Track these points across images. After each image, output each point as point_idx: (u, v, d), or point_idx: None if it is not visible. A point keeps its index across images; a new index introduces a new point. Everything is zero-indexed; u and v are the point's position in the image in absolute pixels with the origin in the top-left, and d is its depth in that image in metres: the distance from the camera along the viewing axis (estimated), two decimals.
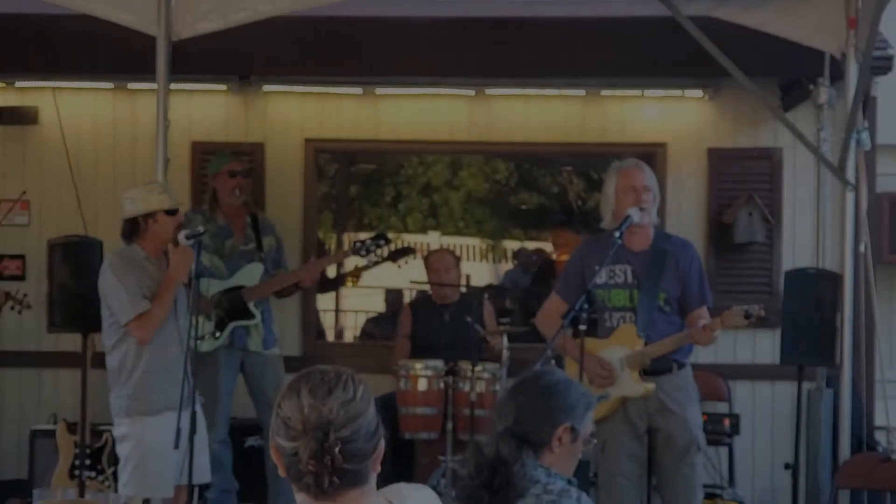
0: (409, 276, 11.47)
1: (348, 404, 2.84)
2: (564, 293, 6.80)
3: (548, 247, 17.52)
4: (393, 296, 13.17)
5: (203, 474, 6.65)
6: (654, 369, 6.54)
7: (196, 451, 6.38)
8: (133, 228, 6.69)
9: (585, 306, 6.33)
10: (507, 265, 17.45)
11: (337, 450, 2.79)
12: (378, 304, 13.82)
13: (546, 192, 17.25)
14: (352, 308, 14.69)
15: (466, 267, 17.02)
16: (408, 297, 13.06)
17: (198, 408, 6.62)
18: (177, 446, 6.17)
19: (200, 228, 6.60)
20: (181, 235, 6.85)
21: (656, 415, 6.52)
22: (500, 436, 4.00)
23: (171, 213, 6.68)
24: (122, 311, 6.54)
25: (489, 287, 15.30)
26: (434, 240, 18.49)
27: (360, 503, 2.89)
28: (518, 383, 4.15)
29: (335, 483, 2.81)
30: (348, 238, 17.66)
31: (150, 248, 6.67)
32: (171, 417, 6.38)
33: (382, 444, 2.94)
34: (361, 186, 17.07)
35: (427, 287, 9.18)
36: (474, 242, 18.60)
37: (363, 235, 17.79)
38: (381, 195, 17.84)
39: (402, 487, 3.10)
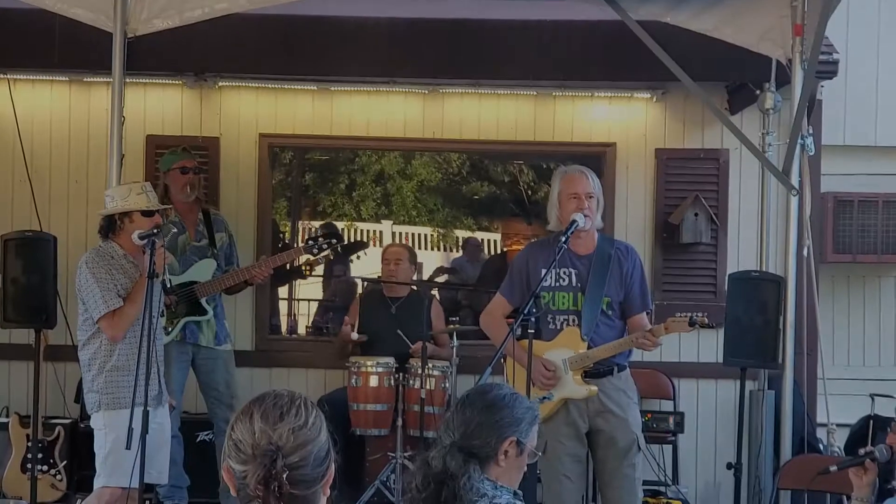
0: (364, 268, 11.60)
1: (298, 430, 2.89)
2: (508, 294, 6.92)
3: (497, 236, 17.72)
4: (344, 285, 13.19)
5: (161, 474, 6.71)
6: (595, 371, 6.63)
7: (156, 451, 6.46)
8: (110, 226, 6.75)
9: (533, 310, 6.40)
10: (457, 254, 17.56)
11: (285, 476, 2.84)
12: (329, 294, 13.81)
13: (497, 181, 17.36)
14: (305, 297, 14.71)
15: (419, 255, 17.14)
16: (360, 287, 13.15)
17: (164, 409, 6.71)
18: (128, 446, 6.25)
19: (155, 230, 6.63)
20: (134, 235, 6.92)
21: (597, 416, 6.63)
22: (447, 449, 4.07)
23: (148, 214, 6.71)
24: (95, 307, 6.63)
25: (440, 270, 15.39)
26: (386, 228, 18.57)
27: None
28: (465, 397, 4.22)
29: None
30: (302, 226, 17.71)
31: (128, 246, 6.72)
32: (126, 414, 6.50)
33: (332, 468, 2.98)
34: (316, 175, 17.11)
35: (379, 279, 9.26)
36: (426, 231, 18.67)
37: (317, 223, 17.95)
38: (335, 183, 17.89)
39: None
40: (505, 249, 16.73)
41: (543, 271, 6.63)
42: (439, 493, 3.99)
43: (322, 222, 17.32)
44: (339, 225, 18.36)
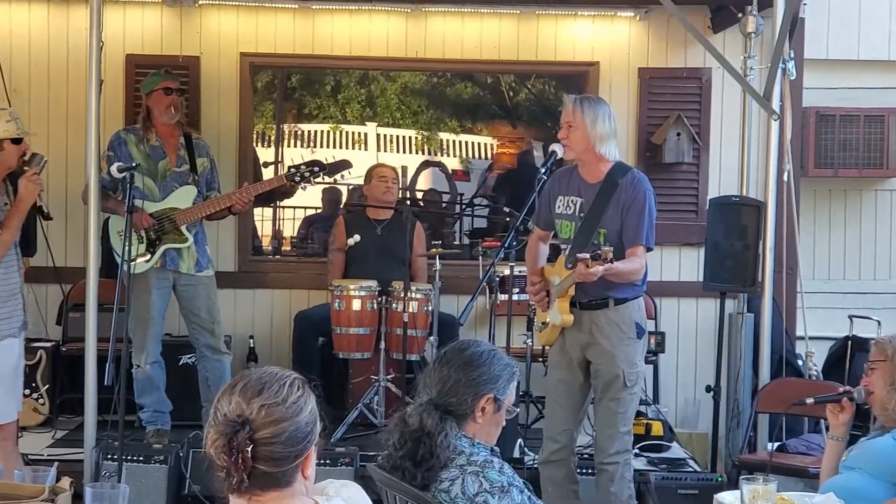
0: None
1: (273, 407, 2.92)
2: (535, 220, 6.89)
3: (487, 140, 17.72)
4: (330, 193, 13.17)
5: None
6: (589, 303, 6.57)
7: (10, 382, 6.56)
8: None
9: (514, 242, 6.41)
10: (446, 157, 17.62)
11: (249, 449, 2.87)
12: (315, 202, 13.78)
13: (480, 83, 17.29)
14: (289, 205, 14.70)
15: (404, 159, 17.16)
16: (344, 195, 13.16)
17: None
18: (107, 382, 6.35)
19: (134, 164, 6.62)
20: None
21: (587, 347, 6.60)
22: (424, 407, 4.10)
23: (17, 141, 6.69)
24: None
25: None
26: (371, 130, 18.52)
27: None
28: (442, 355, 4.22)
29: (245, 482, 2.89)
30: (288, 129, 17.67)
31: None
32: (11, 344, 6.59)
33: (312, 450, 3.01)
34: (301, 77, 17.02)
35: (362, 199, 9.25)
36: (410, 133, 18.63)
37: (303, 126, 17.91)
38: (321, 85, 17.82)
39: (328, 486, 3.19)
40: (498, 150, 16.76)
41: (559, 198, 6.67)
42: (416, 451, 4.01)
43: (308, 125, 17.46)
44: (325, 127, 18.34)
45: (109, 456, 7.13)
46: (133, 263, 7.30)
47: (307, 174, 8.02)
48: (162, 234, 7.90)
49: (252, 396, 2.93)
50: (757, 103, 7.77)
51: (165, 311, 8.09)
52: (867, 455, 5.08)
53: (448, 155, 18.17)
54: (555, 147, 6.63)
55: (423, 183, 15.62)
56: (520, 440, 7.81)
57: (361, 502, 3.25)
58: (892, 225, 10.02)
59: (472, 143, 18.31)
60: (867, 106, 9.68)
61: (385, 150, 18.31)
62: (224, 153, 9.07)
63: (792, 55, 7.75)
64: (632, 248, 6.49)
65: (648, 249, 6.55)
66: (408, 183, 14.97)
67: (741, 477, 4.46)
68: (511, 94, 16.99)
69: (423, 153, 18.29)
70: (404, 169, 15.33)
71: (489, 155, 17.51)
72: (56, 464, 4.17)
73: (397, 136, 18.69)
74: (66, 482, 3.80)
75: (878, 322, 8.45)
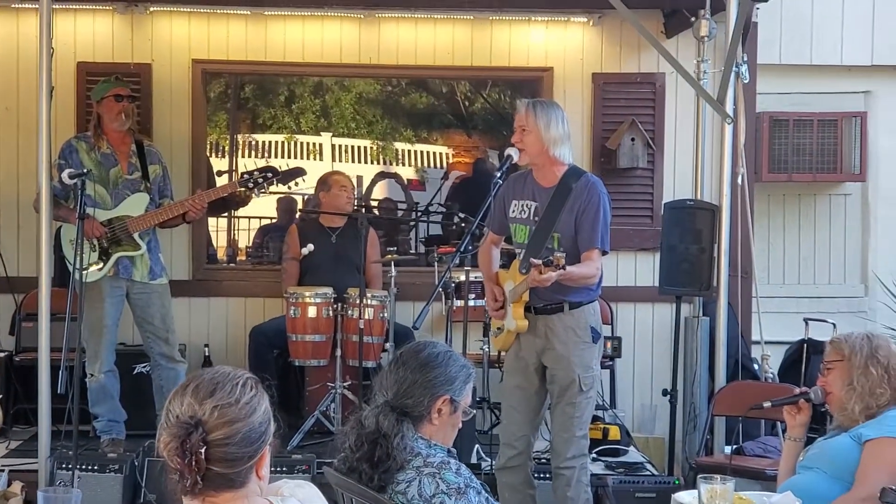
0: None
1: (226, 408, 2.89)
2: (492, 226, 6.86)
3: (443, 149, 17.69)
4: (285, 203, 13.11)
5: None
6: (544, 308, 6.56)
7: None
8: None
9: (469, 247, 6.39)
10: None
11: (202, 451, 2.84)
12: (270, 211, 13.72)
13: (435, 92, 17.29)
14: (244, 215, 14.63)
15: (360, 169, 17.13)
16: (299, 204, 13.09)
17: None
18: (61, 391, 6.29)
19: (84, 171, 6.56)
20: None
21: (543, 352, 6.59)
22: (380, 409, 4.08)
23: None
24: None
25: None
26: (326, 141, 18.46)
27: None
28: (398, 356, 4.21)
29: (199, 484, 2.86)
30: (242, 139, 17.60)
31: None
32: None
33: (266, 450, 2.99)
34: (255, 87, 16.95)
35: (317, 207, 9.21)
36: (366, 143, 18.59)
37: (258, 136, 17.85)
38: (274, 95, 17.75)
39: (282, 487, 3.17)
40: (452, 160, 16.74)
41: (513, 202, 6.65)
42: (373, 453, 4.00)
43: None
44: (279, 137, 18.28)
45: (64, 465, 7.05)
46: (85, 272, 7.26)
47: (260, 180, 7.97)
48: (114, 242, 7.83)
49: (204, 397, 2.91)
50: (711, 107, 7.77)
51: (119, 319, 8.02)
52: (824, 455, 5.08)
53: (403, 164, 18.14)
54: (510, 151, 6.60)
55: (379, 193, 15.58)
56: (477, 446, 7.80)
57: (317, 502, 3.22)
58: (846, 229, 10.08)
59: (428, 152, 18.28)
60: (820, 111, 9.74)
61: (340, 161, 18.28)
62: (177, 161, 8.99)
63: (745, 59, 7.78)
64: (587, 252, 6.48)
65: (603, 253, 6.53)
66: (363, 193, 14.91)
67: (699, 476, 4.44)
68: (466, 103, 16.98)
69: (379, 163, 18.25)
70: (360, 179, 15.29)
71: (444, 164, 17.49)
72: (7, 469, 4.11)
73: (352, 147, 18.66)
74: (17, 486, 3.76)
75: (834, 325, 8.45)
